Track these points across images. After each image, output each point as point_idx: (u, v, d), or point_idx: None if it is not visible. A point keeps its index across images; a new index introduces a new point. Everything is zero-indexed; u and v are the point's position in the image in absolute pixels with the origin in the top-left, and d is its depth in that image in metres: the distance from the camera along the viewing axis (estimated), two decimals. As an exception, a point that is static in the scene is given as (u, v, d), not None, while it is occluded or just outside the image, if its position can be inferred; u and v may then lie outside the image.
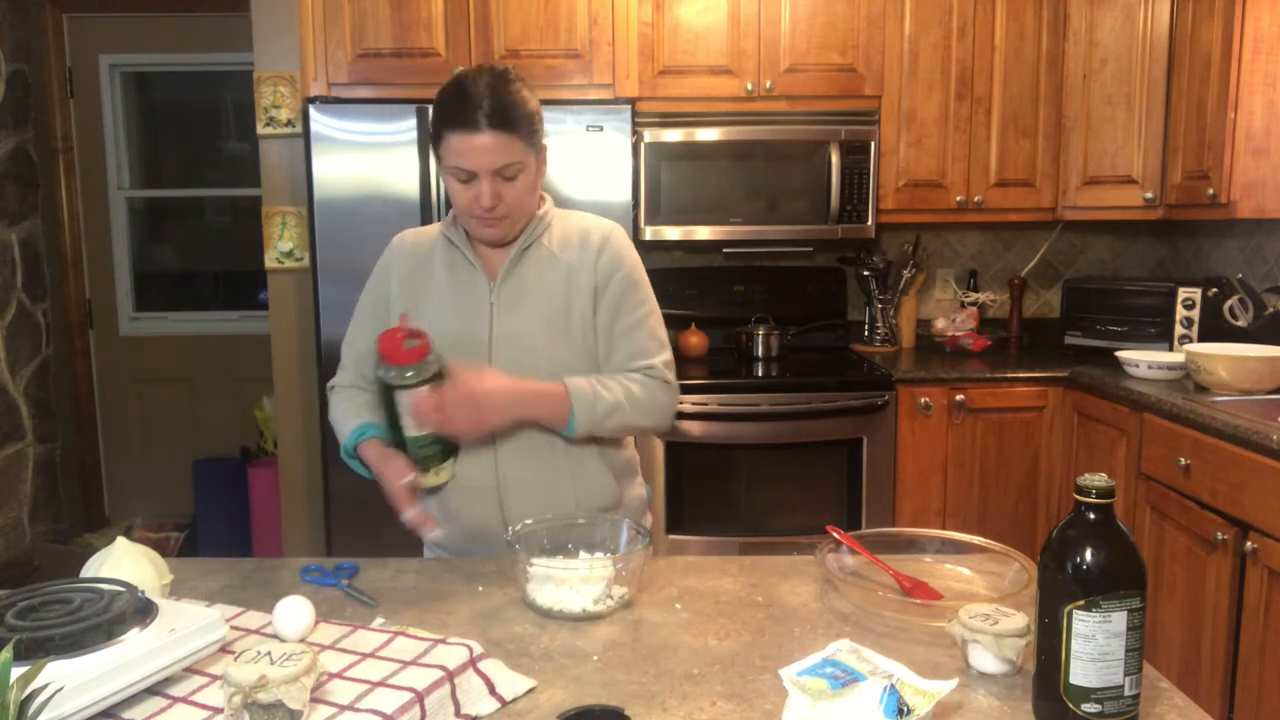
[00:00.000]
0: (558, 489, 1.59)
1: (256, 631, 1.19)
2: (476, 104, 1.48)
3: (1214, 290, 3.11)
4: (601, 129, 2.99)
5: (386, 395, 1.51)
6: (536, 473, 1.59)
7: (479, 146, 1.48)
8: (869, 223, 3.30)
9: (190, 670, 1.04)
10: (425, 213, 2.99)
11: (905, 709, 0.94)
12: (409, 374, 1.47)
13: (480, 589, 1.40)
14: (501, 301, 1.61)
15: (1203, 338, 3.09)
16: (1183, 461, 2.52)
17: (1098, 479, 0.99)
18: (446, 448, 1.55)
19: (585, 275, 1.61)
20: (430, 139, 1.58)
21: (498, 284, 1.61)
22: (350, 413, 1.65)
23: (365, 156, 2.98)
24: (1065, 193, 3.41)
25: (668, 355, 1.64)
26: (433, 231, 1.70)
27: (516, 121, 1.50)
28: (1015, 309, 3.75)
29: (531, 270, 1.62)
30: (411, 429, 1.50)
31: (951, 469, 3.17)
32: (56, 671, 0.90)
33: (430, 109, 2.92)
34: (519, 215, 1.57)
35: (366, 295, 1.74)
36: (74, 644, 0.96)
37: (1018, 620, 1.12)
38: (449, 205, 2.98)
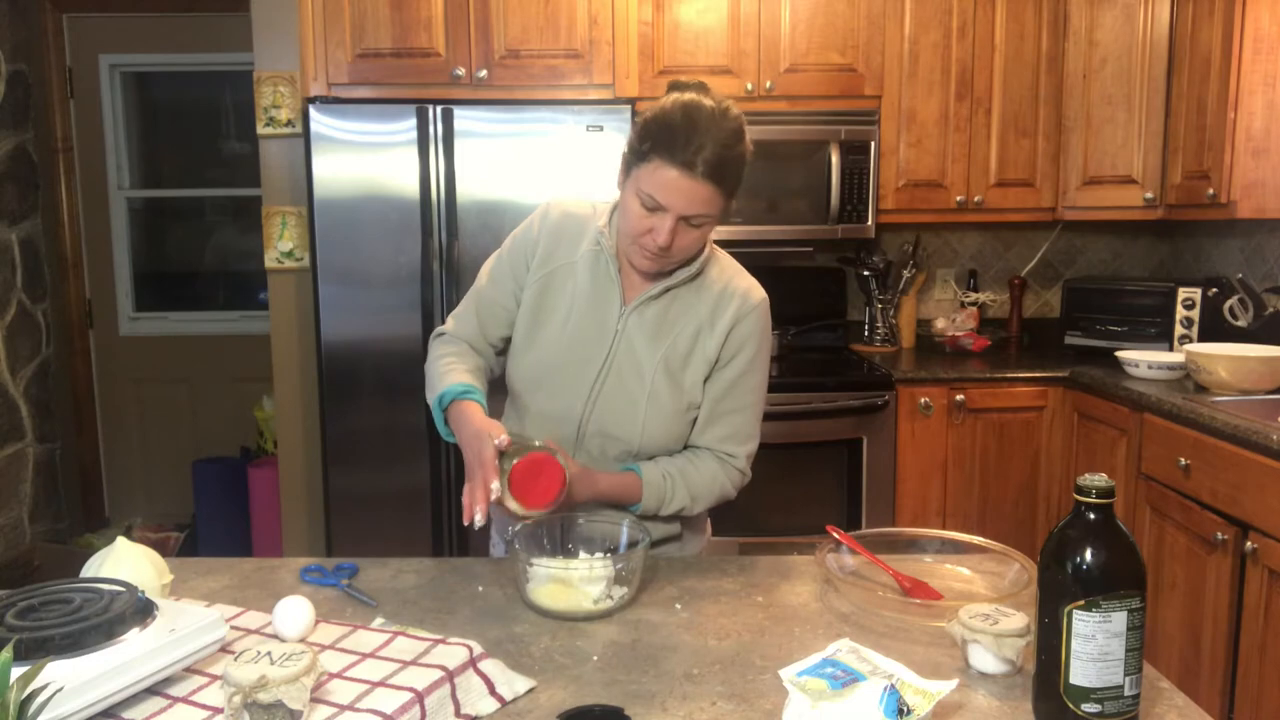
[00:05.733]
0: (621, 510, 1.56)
1: (256, 631, 1.19)
2: (700, 147, 1.38)
3: (1214, 290, 3.11)
4: (601, 129, 3.00)
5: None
6: (613, 512, 1.55)
7: (684, 189, 1.40)
8: (869, 223, 3.30)
9: (190, 670, 1.04)
10: (425, 213, 2.99)
11: (905, 709, 0.94)
12: (530, 515, 1.38)
13: (480, 589, 1.40)
14: (628, 330, 1.55)
15: (1203, 338, 3.09)
16: (1183, 461, 2.52)
17: (1098, 479, 0.99)
18: None
19: (711, 343, 1.55)
20: (631, 148, 1.47)
21: (630, 309, 1.54)
22: (457, 368, 1.54)
23: (365, 156, 2.98)
24: (1065, 193, 3.41)
25: (754, 446, 1.61)
26: (587, 216, 1.60)
27: (728, 179, 1.43)
28: (1015, 309, 3.75)
29: (668, 310, 1.55)
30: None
31: (951, 469, 3.17)
32: (56, 671, 0.90)
33: (432, 108, 2.94)
34: (681, 259, 1.51)
35: (508, 256, 1.62)
36: (74, 644, 0.96)
37: (1018, 620, 1.12)
38: (449, 206, 3.00)
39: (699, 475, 1.56)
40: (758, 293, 1.59)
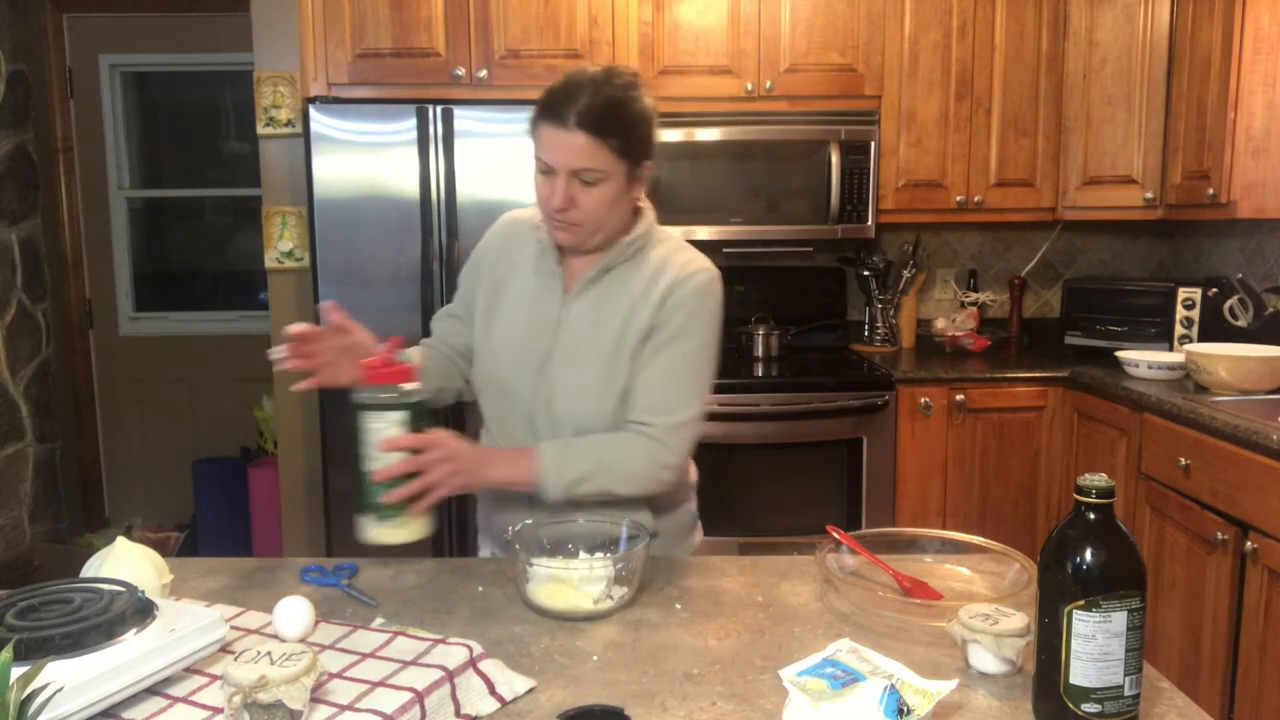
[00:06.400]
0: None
1: (256, 631, 1.19)
2: (572, 100, 1.42)
3: (1214, 290, 3.11)
4: (601, 129, 2.99)
5: (358, 426, 1.38)
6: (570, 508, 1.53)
7: (560, 142, 1.43)
8: (869, 223, 3.30)
9: (190, 670, 1.04)
10: (425, 213, 2.99)
11: (905, 709, 0.94)
12: (385, 395, 1.37)
13: (480, 589, 1.40)
14: (569, 318, 1.55)
15: (1203, 338, 3.09)
16: (1183, 461, 2.52)
17: (1098, 479, 0.99)
18: (415, 497, 1.40)
19: (645, 314, 1.52)
20: (530, 128, 1.51)
21: (570, 298, 1.55)
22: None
23: (365, 156, 2.98)
24: (1065, 193, 3.41)
25: (680, 418, 1.51)
26: (532, 216, 1.63)
27: (609, 128, 1.43)
28: (1015, 309, 3.75)
29: (608, 293, 1.54)
30: (377, 463, 1.37)
31: (951, 469, 3.17)
32: (56, 671, 0.90)
33: (432, 108, 2.94)
34: (595, 226, 1.50)
35: (464, 270, 1.71)
36: (74, 644, 0.96)
37: (1018, 620, 1.12)
38: (449, 206, 3.00)
39: (609, 442, 1.50)
40: (699, 265, 1.56)
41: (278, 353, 1.45)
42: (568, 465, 1.47)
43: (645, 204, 1.60)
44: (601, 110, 1.43)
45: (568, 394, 1.53)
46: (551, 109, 1.44)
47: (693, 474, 1.73)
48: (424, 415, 1.42)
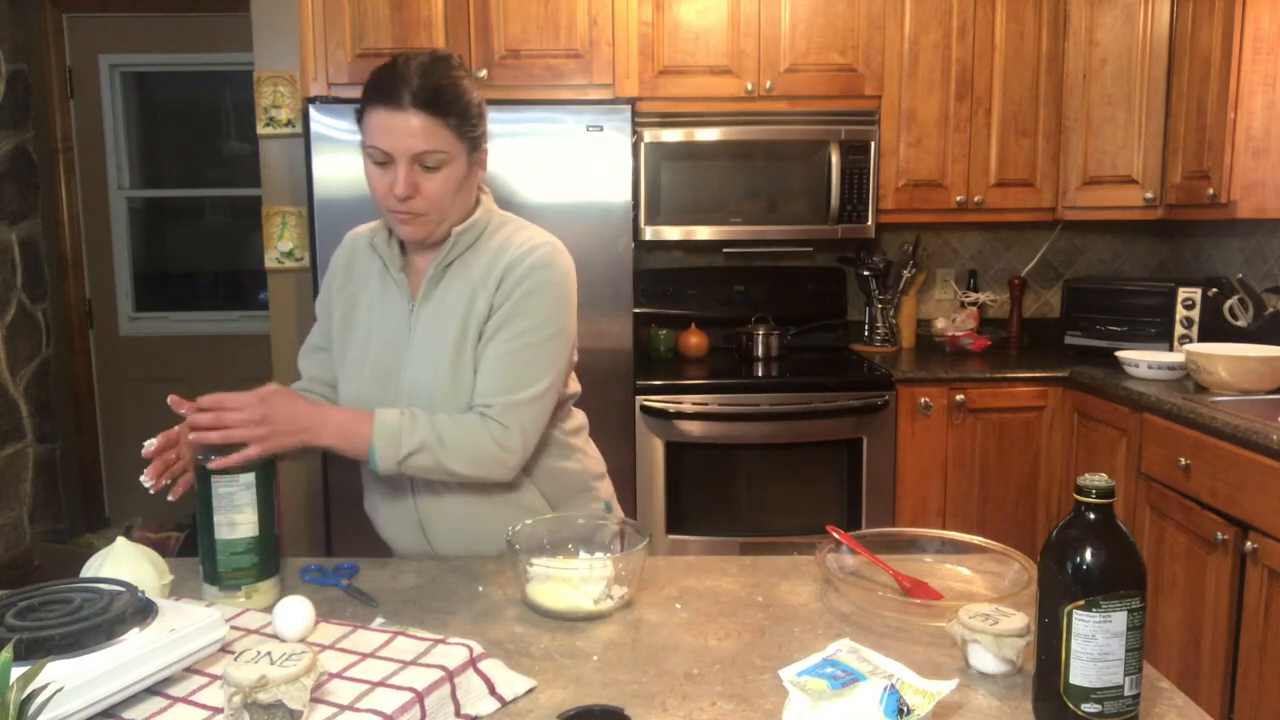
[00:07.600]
0: (482, 520, 1.51)
1: (256, 631, 1.19)
2: (405, 81, 1.37)
3: (1214, 290, 3.11)
4: (601, 129, 2.99)
5: (202, 488, 1.34)
6: (456, 503, 1.52)
7: (399, 126, 1.37)
8: (869, 223, 3.30)
9: (190, 670, 1.04)
10: (425, 213, 2.99)
11: (905, 709, 0.94)
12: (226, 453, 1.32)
13: (480, 589, 1.40)
14: (419, 325, 1.50)
15: (1203, 338, 3.09)
16: (1183, 461, 2.52)
17: (1098, 479, 0.99)
18: (264, 564, 1.33)
19: (484, 300, 1.47)
20: (356, 121, 1.44)
21: (417, 304, 1.50)
22: None
23: (365, 156, 2.98)
24: (1065, 193, 3.41)
25: (519, 396, 1.44)
26: (374, 230, 1.59)
27: (446, 107, 1.39)
28: (1015, 309, 3.75)
29: (450, 288, 1.49)
30: (224, 531, 1.30)
31: (951, 469, 3.17)
32: (56, 671, 0.90)
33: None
34: (440, 215, 1.44)
35: (319, 296, 1.66)
36: (74, 644, 0.96)
37: (1018, 620, 1.12)
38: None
39: (451, 419, 1.44)
40: (538, 241, 1.50)
41: (146, 480, 1.40)
42: (405, 435, 1.40)
43: (484, 191, 1.56)
44: (436, 90, 1.38)
45: (424, 399, 1.48)
46: (383, 91, 1.38)
47: (598, 462, 1.69)
48: (274, 472, 1.37)
